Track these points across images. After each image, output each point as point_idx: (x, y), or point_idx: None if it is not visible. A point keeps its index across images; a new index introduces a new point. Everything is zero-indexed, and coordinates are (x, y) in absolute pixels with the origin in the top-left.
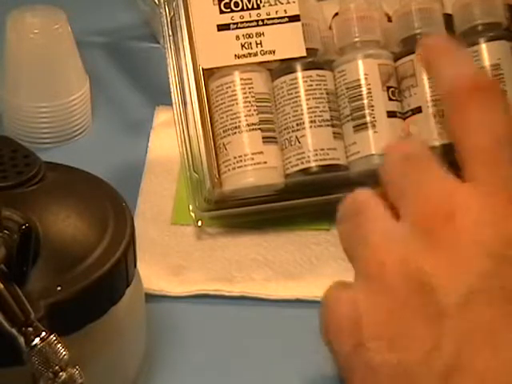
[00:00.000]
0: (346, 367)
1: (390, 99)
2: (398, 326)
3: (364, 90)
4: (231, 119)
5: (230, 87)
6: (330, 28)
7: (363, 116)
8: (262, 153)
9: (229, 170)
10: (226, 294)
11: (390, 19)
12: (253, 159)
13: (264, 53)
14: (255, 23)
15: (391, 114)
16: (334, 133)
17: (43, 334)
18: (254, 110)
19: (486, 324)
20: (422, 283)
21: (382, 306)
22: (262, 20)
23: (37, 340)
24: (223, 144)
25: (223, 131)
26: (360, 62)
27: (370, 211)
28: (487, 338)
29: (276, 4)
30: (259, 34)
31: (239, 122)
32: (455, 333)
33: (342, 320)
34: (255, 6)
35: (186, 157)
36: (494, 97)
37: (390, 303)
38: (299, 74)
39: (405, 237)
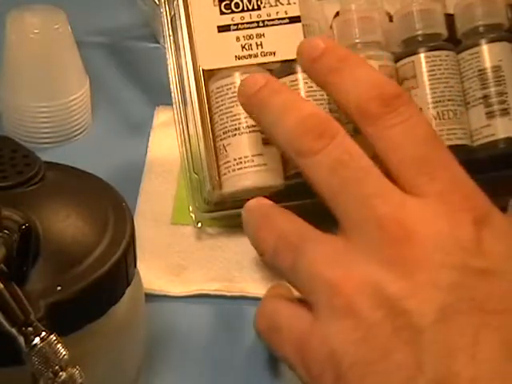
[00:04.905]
0: None
1: None
2: (375, 352)
3: None
4: (231, 121)
5: (230, 88)
6: (331, 28)
7: None
8: (262, 155)
9: (229, 171)
10: (226, 294)
11: (391, 19)
12: (253, 161)
13: (264, 54)
14: (256, 24)
15: None
16: None
17: (43, 333)
18: None
19: (463, 336)
20: (393, 308)
21: (355, 335)
22: (263, 21)
23: (37, 340)
24: (223, 145)
25: (223, 133)
26: None
27: (314, 249)
28: (466, 350)
29: (276, 5)
30: (260, 35)
31: (239, 123)
32: (434, 349)
33: (317, 358)
34: (256, 7)
35: (185, 157)
36: (406, 102)
37: (363, 332)
38: (300, 76)
39: (366, 268)
